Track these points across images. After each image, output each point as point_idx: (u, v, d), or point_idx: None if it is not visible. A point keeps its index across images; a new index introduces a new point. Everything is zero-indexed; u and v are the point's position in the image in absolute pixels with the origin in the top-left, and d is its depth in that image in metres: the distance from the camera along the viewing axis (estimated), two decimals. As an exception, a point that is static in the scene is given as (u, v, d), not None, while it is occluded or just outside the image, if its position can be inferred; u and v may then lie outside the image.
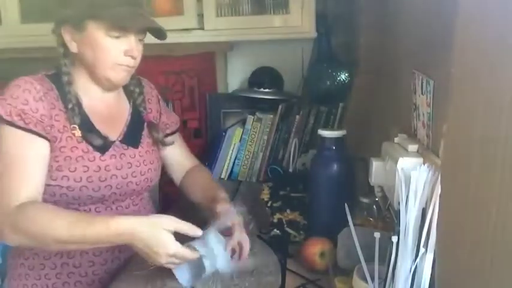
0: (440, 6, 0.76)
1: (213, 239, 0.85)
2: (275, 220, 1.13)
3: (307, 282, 0.94)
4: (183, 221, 0.83)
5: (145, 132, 1.08)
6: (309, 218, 1.12)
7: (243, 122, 1.58)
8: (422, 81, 0.83)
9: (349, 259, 0.87)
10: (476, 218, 0.54)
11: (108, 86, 0.99)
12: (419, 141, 0.86)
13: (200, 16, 1.50)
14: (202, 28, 1.50)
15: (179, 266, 0.85)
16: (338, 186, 1.07)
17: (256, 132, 1.54)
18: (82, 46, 0.93)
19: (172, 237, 0.81)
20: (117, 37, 0.92)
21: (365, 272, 0.74)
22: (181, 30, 1.49)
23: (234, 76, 1.73)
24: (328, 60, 1.49)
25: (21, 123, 0.88)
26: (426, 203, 0.71)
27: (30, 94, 0.90)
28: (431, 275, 0.69)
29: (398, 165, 0.78)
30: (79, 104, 0.96)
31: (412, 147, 0.84)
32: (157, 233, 0.81)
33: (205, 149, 1.65)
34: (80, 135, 0.94)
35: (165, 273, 0.86)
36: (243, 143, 1.55)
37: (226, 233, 0.90)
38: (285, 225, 1.12)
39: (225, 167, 1.56)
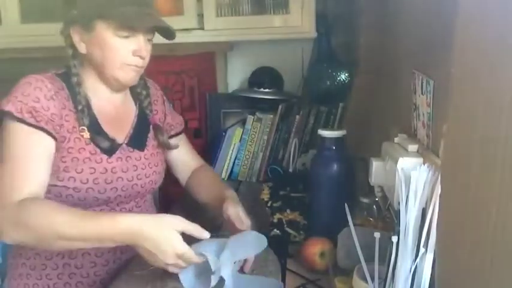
0: (440, 6, 0.76)
1: (221, 246, 0.84)
2: (275, 220, 1.13)
3: (307, 282, 0.94)
4: (190, 222, 0.82)
5: (150, 134, 1.08)
6: (309, 218, 1.12)
7: (243, 122, 1.57)
8: (422, 81, 0.83)
9: (349, 259, 0.87)
10: (476, 218, 0.54)
11: (116, 86, 0.99)
12: (419, 141, 0.86)
13: (200, 16, 1.50)
14: (202, 28, 1.50)
15: (184, 269, 0.84)
16: (338, 186, 1.07)
17: (256, 132, 1.54)
18: (91, 46, 0.93)
19: (180, 237, 0.79)
20: (126, 37, 0.92)
21: (365, 272, 0.74)
22: (181, 30, 1.48)
23: (234, 76, 1.73)
24: (328, 60, 1.49)
25: (31, 121, 0.87)
26: (426, 203, 0.71)
27: (41, 92, 0.89)
28: (431, 275, 0.69)
29: (398, 165, 0.78)
30: (88, 105, 0.96)
31: (412, 147, 0.84)
32: (166, 232, 0.79)
33: (205, 149, 1.65)
34: (89, 137, 0.94)
35: (165, 273, 0.86)
36: (243, 143, 1.55)
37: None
38: (285, 225, 1.12)
39: (225, 167, 1.56)
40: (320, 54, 1.53)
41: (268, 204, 1.18)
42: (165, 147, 1.11)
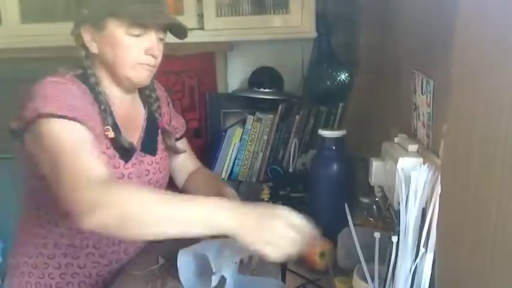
0: (440, 6, 0.76)
1: (221, 246, 0.84)
2: (275, 220, 1.13)
3: (307, 282, 0.94)
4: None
5: (159, 138, 1.07)
6: (309, 218, 1.12)
7: (243, 122, 1.58)
8: (422, 81, 0.83)
9: (349, 259, 0.87)
10: (476, 218, 0.54)
11: (129, 86, 0.97)
12: (419, 141, 0.86)
13: (200, 16, 1.50)
14: (202, 28, 1.50)
15: (184, 269, 0.84)
16: (338, 186, 1.07)
17: (256, 132, 1.54)
18: (102, 46, 0.92)
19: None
20: (138, 35, 0.91)
21: (365, 272, 0.74)
22: (182, 30, 1.49)
23: (234, 76, 1.73)
24: (328, 60, 1.49)
25: (72, 115, 0.83)
26: (426, 203, 0.71)
27: (70, 92, 0.87)
28: (431, 275, 0.69)
29: (398, 165, 0.78)
30: (109, 106, 0.94)
31: (412, 147, 0.84)
32: (276, 207, 0.76)
33: (205, 149, 1.65)
34: (113, 136, 0.92)
35: (166, 273, 0.86)
36: (243, 143, 1.55)
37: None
38: (285, 225, 1.12)
39: (225, 167, 1.56)
40: (320, 54, 1.53)
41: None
42: (173, 151, 1.10)
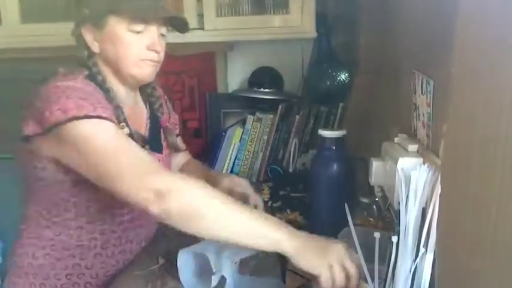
0: (440, 6, 0.76)
1: (221, 246, 0.84)
2: (275, 220, 1.13)
3: (307, 282, 0.94)
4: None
5: (162, 136, 1.08)
6: (309, 218, 1.12)
7: (243, 122, 1.58)
8: (422, 81, 0.83)
9: (349, 259, 0.87)
10: (476, 218, 0.54)
11: (133, 83, 0.98)
12: (419, 141, 0.86)
13: (200, 16, 1.50)
14: (202, 28, 1.50)
15: (184, 269, 0.84)
16: (338, 186, 1.07)
17: (256, 132, 1.54)
18: (104, 45, 0.92)
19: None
20: (139, 32, 0.91)
21: (365, 272, 0.74)
22: (182, 30, 1.49)
23: (234, 76, 1.73)
24: (328, 60, 1.50)
25: (105, 114, 0.83)
26: (426, 203, 0.71)
27: (92, 94, 0.86)
28: (431, 275, 0.69)
29: (398, 165, 0.78)
30: (119, 103, 0.94)
31: (412, 147, 0.84)
32: (334, 241, 0.77)
33: (205, 149, 1.65)
34: (128, 132, 0.92)
35: (166, 273, 0.86)
36: (243, 143, 1.55)
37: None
38: (285, 225, 1.12)
39: (225, 167, 1.56)
40: (320, 54, 1.53)
41: (268, 204, 1.18)
42: (174, 148, 1.10)
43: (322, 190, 1.10)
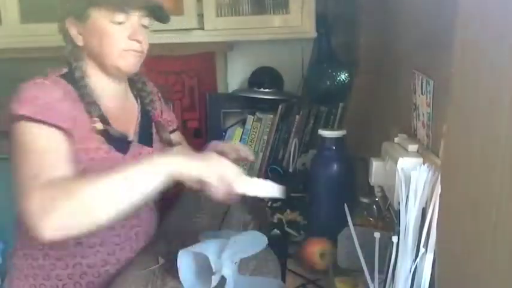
0: (440, 6, 0.76)
1: (221, 246, 0.84)
2: (275, 220, 1.13)
3: (307, 282, 0.94)
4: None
5: (153, 131, 1.09)
6: (309, 218, 1.12)
7: (243, 122, 1.58)
8: (422, 81, 0.83)
9: (349, 259, 0.87)
10: (476, 218, 0.54)
11: (118, 75, 0.99)
12: (419, 141, 0.86)
13: (200, 16, 1.50)
14: (202, 28, 1.50)
15: (184, 269, 0.84)
16: (338, 186, 1.07)
17: (256, 132, 1.54)
18: (87, 37, 0.94)
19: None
20: (120, 23, 0.92)
21: (365, 272, 0.74)
22: (181, 30, 1.48)
23: (234, 76, 1.73)
24: (328, 60, 1.49)
25: (46, 119, 0.84)
26: (426, 203, 0.71)
27: (51, 94, 0.88)
28: (431, 275, 0.69)
29: (398, 165, 0.78)
30: (96, 100, 0.95)
31: (412, 147, 0.84)
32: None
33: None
34: (102, 127, 0.93)
35: (166, 273, 0.86)
36: (243, 143, 1.55)
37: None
38: (285, 225, 1.12)
39: (225, 167, 1.56)
40: (320, 54, 1.53)
41: (268, 204, 1.18)
42: (167, 143, 1.11)
43: (322, 190, 1.10)
